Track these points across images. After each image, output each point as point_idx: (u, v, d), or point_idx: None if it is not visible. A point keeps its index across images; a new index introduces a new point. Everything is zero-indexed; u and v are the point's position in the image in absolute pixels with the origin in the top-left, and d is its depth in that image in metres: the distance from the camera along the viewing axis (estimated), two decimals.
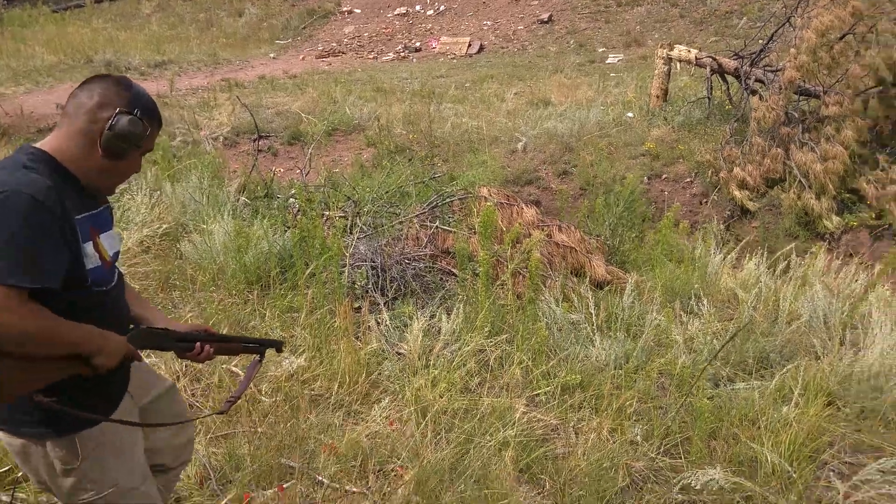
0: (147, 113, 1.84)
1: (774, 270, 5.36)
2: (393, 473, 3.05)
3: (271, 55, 17.05)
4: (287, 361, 3.75)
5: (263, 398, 3.50)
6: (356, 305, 4.53)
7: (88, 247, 1.77)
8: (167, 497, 2.41)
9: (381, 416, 3.39)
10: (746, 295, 4.68)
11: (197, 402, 3.56)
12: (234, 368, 3.75)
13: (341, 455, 3.08)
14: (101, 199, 1.94)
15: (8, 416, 1.80)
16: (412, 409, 3.41)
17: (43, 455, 1.84)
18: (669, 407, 3.66)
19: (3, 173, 1.65)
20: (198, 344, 2.03)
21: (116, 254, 1.95)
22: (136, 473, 1.99)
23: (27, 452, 1.85)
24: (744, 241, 6.31)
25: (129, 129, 1.78)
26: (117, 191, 5.64)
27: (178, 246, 5.34)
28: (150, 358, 3.60)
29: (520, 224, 5.32)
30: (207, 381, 3.64)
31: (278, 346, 2.34)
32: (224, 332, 2.22)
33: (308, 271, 4.51)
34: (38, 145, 1.79)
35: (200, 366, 3.74)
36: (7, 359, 1.60)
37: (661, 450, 3.36)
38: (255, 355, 2.27)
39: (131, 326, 1.95)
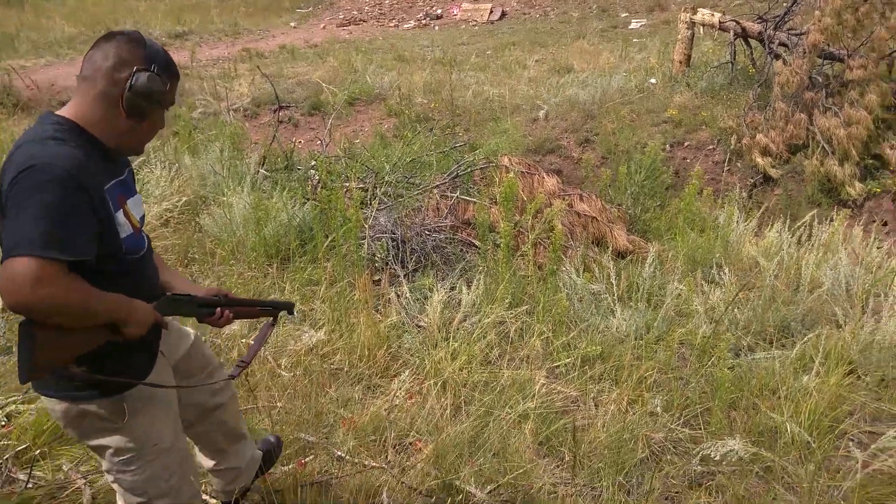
0: (164, 67, 1.81)
1: (797, 238, 5.30)
2: (412, 447, 3.09)
3: (292, 24, 16.98)
4: (307, 335, 3.79)
5: (283, 372, 3.55)
6: (376, 278, 4.56)
7: (120, 215, 1.77)
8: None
9: (400, 389, 3.43)
10: (768, 263, 4.64)
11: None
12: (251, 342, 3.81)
13: (360, 429, 3.13)
14: (124, 162, 1.94)
15: (53, 381, 1.83)
16: (432, 382, 3.44)
17: (83, 415, 1.86)
18: (689, 377, 3.66)
19: (33, 146, 1.64)
20: (218, 309, 2.06)
21: (142, 218, 1.95)
22: (172, 432, 2.04)
23: (70, 415, 1.86)
24: (766, 208, 6.23)
25: (149, 86, 1.75)
26: (137, 161, 5.69)
27: (198, 219, 5.39)
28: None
29: (541, 194, 5.30)
30: (227, 356, 3.70)
31: (289, 307, 2.37)
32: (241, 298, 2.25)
33: (327, 243, 4.54)
34: (60, 112, 1.77)
35: (220, 341, 3.81)
36: (40, 332, 1.61)
37: (681, 421, 3.37)
38: (268, 318, 2.31)
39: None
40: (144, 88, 1.74)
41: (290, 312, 2.40)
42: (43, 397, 1.89)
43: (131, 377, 1.89)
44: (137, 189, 2.02)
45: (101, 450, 1.93)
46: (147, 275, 1.94)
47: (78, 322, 1.66)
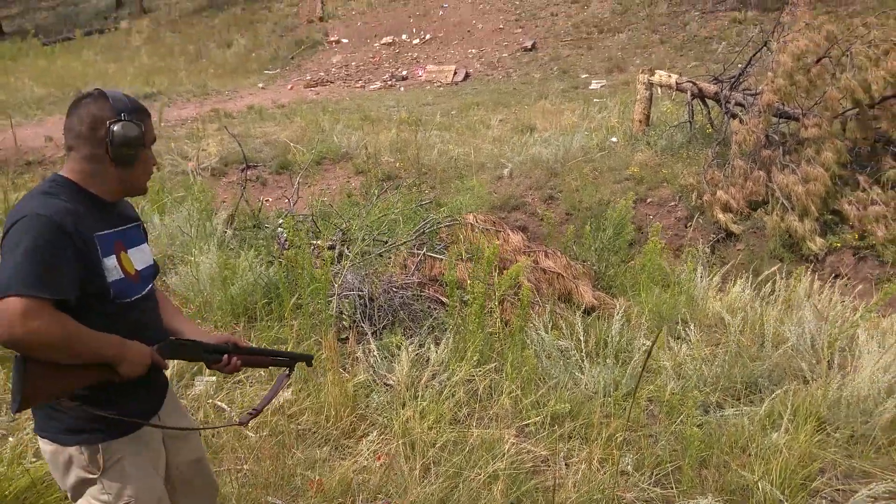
0: (133, 111, 1.92)
1: (760, 293, 5.37)
2: None
3: (260, 85, 17.13)
4: None
5: (250, 434, 3.46)
6: (343, 336, 4.51)
7: (110, 260, 1.89)
8: None
9: (368, 450, 3.36)
10: (733, 319, 4.69)
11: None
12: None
13: (328, 491, 3.05)
14: (130, 217, 2.08)
15: (44, 422, 1.93)
16: (400, 442, 3.38)
17: (68, 461, 1.93)
18: (659, 435, 3.64)
19: (26, 200, 1.83)
20: (226, 356, 2.12)
21: (148, 268, 2.08)
22: (153, 491, 2.03)
23: (56, 459, 1.94)
24: (729, 264, 6.33)
25: (126, 134, 1.88)
26: None
27: (165, 279, 5.31)
28: None
29: (503, 250, 5.33)
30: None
31: (308, 359, 2.43)
32: (252, 346, 2.25)
33: (293, 301, 4.49)
34: (60, 172, 1.93)
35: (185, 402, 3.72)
36: (35, 365, 1.74)
37: (652, 480, 3.34)
38: (284, 369, 2.34)
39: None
40: (122, 138, 1.88)
41: (309, 364, 2.44)
42: (38, 437, 1.97)
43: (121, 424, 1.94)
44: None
45: (76, 496, 1.98)
46: (143, 320, 2.01)
47: (66, 357, 1.77)
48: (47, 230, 1.73)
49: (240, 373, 4.00)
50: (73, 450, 1.91)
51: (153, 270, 2.12)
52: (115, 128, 1.87)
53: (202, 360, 2.11)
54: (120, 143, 1.88)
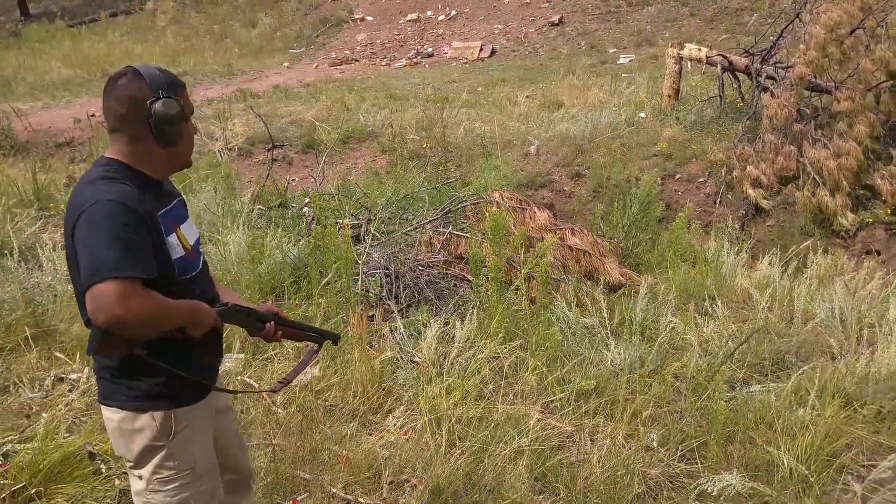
0: (169, 86, 1.91)
1: (789, 269, 5.31)
2: (407, 484, 3.06)
3: (285, 64, 17.15)
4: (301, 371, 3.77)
5: (278, 409, 3.52)
6: (370, 314, 4.55)
7: (172, 238, 1.93)
8: None
9: (395, 425, 3.41)
10: (761, 295, 4.65)
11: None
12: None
13: (355, 466, 3.10)
14: (173, 193, 2.09)
15: (110, 391, 1.97)
16: (426, 418, 3.42)
17: (137, 429, 1.95)
18: (685, 411, 3.64)
19: (89, 187, 1.83)
20: (269, 325, 2.19)
21: (197, 241, 2.11)
22: (210, 460, 2.10)
23: (123, 427, 1.96)
24: (757, 239, 6.27)
25: (166, 111, 1.87)
26: None
27: None
28: None
29: (529, 227, 5.32)
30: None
31: (335, 338, 2.49)
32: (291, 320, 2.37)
33: (324, 282, 4.54)
34: (108, 154, 1.93)
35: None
36: None
37: (678, 455, 3.35)
38: (313, 344, 2.43)
39: (219, 304, 2.09)
40: (165, 116, 1.87)
41: (335, 343, 2.51)
42: (102, 406, 2.01)
43: (184, 386, 1.99)
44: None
45: (141, 464, 2.00)
46: (201, 293, 2.04)
47: (162, 329, 1.85)
48: (121, 213, 1.76)
49: (269, 348, 4.09)
50: (144, 417, 1.95)
51: (199, 244, 2.16)
52: (157, 106, 1.86)
53: (251, 326, 2.18)
54: (163, 122, 1.87)
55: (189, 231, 2.06)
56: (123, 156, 1.91)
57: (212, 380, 2.13)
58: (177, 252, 1.93)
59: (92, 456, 3.10)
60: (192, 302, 1.92)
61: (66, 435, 3.21)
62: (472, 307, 4.41)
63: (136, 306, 1.72)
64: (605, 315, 4.27)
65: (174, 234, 1.95)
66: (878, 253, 6.16)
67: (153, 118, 1.86)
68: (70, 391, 3.64)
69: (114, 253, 1.71)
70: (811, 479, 3.04)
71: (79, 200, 1.81)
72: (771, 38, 8.74)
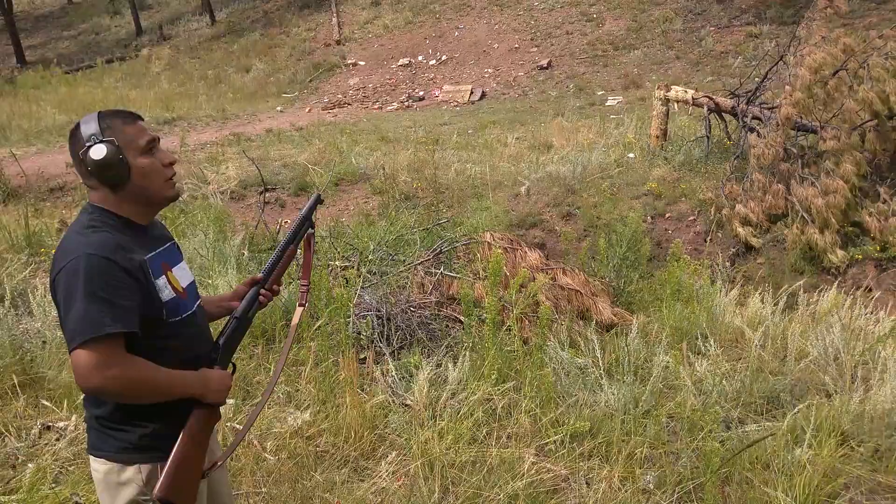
0: (104, 128, 1.86)
1: (781, 307, 5.31)
2: None
3: (278, 108, 17.31)
4: (292, 417, 3.73)
5: (268, 456, 3.47)
6: (361, 356, 4.52)
7: (161, 280, 1.90)
8: None
9: (387, 471, 3.36)
10: (754, 333, 4.64)
11: None
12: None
13: None
14: (165, 237, 2.07)
15: (100, 441, 1.93)
16: (419, 462, 3.37)
17: (123, 481, 1.91)
18: (681, 452, 3.60)
19: (71, 238, 1.82)
20: (263, 296, 2.21)
21: (192, 284, 2.08)
22: None
23: (109, 479, 1.92)
24: (749, 277, 6.28)
25: (95, 158, 1.82)
26: None
27: None
28: None
29: (521, 267, 5.32)
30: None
31: (318, 201, 2.42)
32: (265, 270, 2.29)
33: (317, 325, 4.51)
34: (92, 201, 1.91)
35: None
36: None
37: (674, 498, 3.30)
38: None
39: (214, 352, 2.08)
40: (94, 163, 1.82)
41: (320, 202, 2.45)
42: (90, 458, 1.96)
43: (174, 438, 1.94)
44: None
45: None
46: (194, 335, 2.03)
47: (151, 398, 1.84)
48: (100, 269, 1.73)
49: (258, 392, 4.04)
50: (131, 470, 1.91)
51: (196, 287, 2.13)
52: (88, 156, 1.82)
53: (249, 324, 2.18)
54: (98, 168, 1.83)
55: (182, 274, 2.04)
56: (103, 202, 1.89)
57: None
58: (166, 294, 1.90)
59: None
60: (197, 374, 1.94)
61: (53, 486, 3.15)
62: (465, 348, 4.39)
63: (113, 374, 1.71)
64: (599, 355, 4.25)
65: (164, 276, 1.92)
66: (870, 290, 6.17)
67: (90, 168, 1.83)
68: (57, 440, 3.58)
69: (89, 313, 1.70)
70: None
71: (62, 252, 1.80)
72: (756, 79, 8.88)
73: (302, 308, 2.40)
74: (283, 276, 2.35)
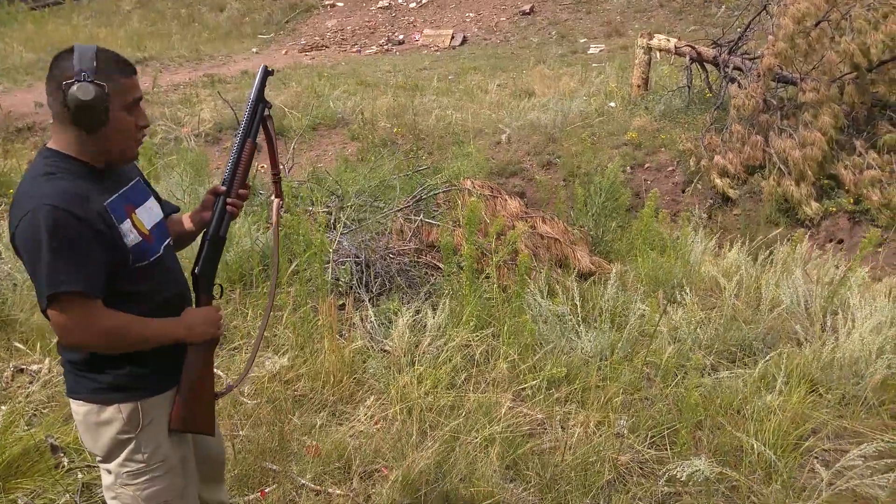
0: (99, 68, 1.75)
1: (756, 258, 5.38)
2: (377, 474, 3.05)
3: (254, 50, 16.91)
4: (269, 361, 3.73)
5: (246, 400, 3.48)
6: (340, 302, 4.51)
7: (125, 225, 1.84)
8: None
9: (365, 415, 3.39)
10: (728, 283, 4.70)
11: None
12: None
13: (325, 456, 3.08)
14: (129, 173, 1.99)
15: (76, 384, 1.91)
16: (397, 407, 3.41)
17: (104, 421, 1.90)
18: (655, 398, 3.67)
19: (27, 186, 1.75)
20: (228, 205, 2.10)
21: (159, 224, 2.01)
22: (180, 451, 2.05)
23: (89, 420, 1.91)
24: (725, 228, 6.34)
25: (80, 96, 1.71)
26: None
27: None
28: None
29: (503, 216, 5.31)
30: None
31: (267, 73, 2.21)
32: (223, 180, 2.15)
33: (291, 268, 4.49)
34: (50, 144, 1.83)
35: None
36: None
37: (647, 442, 3.37)
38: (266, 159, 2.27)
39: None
40: (77, 100, 1.71)
41: (269, 73, 2.23)
42: (70, 400, 1.95)
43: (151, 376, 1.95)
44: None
45: (109, 458, 1.95)
46: (164, 278, 1.98)
47: (135, 348, 1.85)
48: (61, 223, 1.67)
49: (236, 338, 4.04)
50: (111, 409, 1.89)
51: (164, 225, 2.05)
52: (72, 90, 1.70)
53: (223, 239, 2.12)
54: (77, 107, 1.71)
55: (148, 215, 1.97)
56: (63, 145, 1.81)
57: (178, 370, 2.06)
58: (131, 239, 1.84)
59: (54, 449, 3.03)
60: (175, 320, 1.94)
61: (27, 428, 3.14)
62: (444, 296, 4.40)
63: (94, 331, 1.75)
64: (578, 303, 4.28)
65: (128, 220, 1.85)
66: (842, 241, 6.26)
67: (66, 102, 1.71)
68: (31, 383, 3.56)
69: (57, 268, 1.68)
70: (778, 463, 3.09)
71: (19, 201, 1.74)
72: (738, 29, 8.81)
73: (279, 200, 2.26)
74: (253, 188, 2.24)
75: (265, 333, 4.10)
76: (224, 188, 2.12)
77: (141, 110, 1.88)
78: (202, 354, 2.01)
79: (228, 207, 2.11)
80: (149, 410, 1.94)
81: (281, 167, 7.34)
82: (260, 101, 2.18)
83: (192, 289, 2.11)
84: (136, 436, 1.92)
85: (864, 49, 6.66)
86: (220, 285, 2.14)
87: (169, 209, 2.17)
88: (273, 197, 2.27)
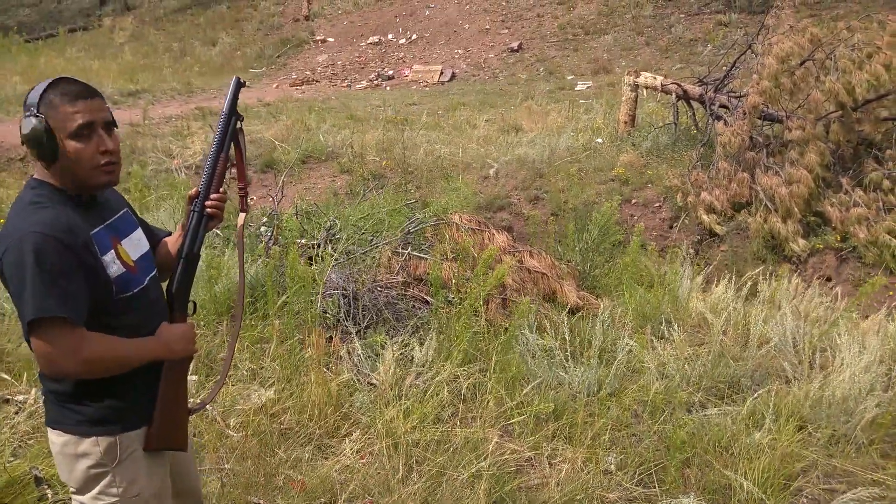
0: (42, 101, 1.77)
1: (743, 294, 5.39)
2: None
3: (245, 84, 17.01)
4: (256, 394, 3.69)
5: (231, 433, 3.43)
6: (327, 335, 4.48)
7: (109, 255, 1.85)
8: None
9: (351, 449, 3.35)
10: (716, 319, 4.70)
11: None
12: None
13: (310, 491, 3.03)
14: (115, 205, 2.01)
15: (58, 414, 1.90)
16: (384, 442, 3.37)
17: (81, 453, 1.89)
18: (643, 435, 3.65)
19: (15, 216, 1.77)
20: (208, 210, 2.09)
21: (145, 255, 2.02)
22: (156, 486, 2.02)
23: (66, 451, 1.90)
24: (712, 264, 6.36)
25: (23, 131, 1.78)
26: None
27: None
28: None
29: (489, 249, 5.32)
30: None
31: (239, 85, 2.26)
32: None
33: (280, 301, 4.46)
34: (36, 175, 1.86)
35: None
36: None
37: (636, 479, 3.34)
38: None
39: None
40: (21, 135, 1.78)
41: (242, 84, 2.28)
42: (48, 430, 1.94)
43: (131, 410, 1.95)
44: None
45: (84, 490, 1.93)
46: (148, 310, 1.98)
47: (117, 371, 1.84)
48: (47, 249, 1.69)
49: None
50: (88, 441, 1.88)
51: (151, 257, 2.06)
52: (22, 124, 1.78)
53: (199, 247, 2.10)
54: (25, 140, 1.78)
55: (133, 246, 1.98)
56: (44, 175, 1.84)
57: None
58: (114, 270, 1.85)
59: (38, 481, 2.98)
60: (151, 339, 1.93)
61: (12, 459, 3.08)
62: (431, 329, 4.38)
63: (77, 358, 1.73)
64: (566, 338, 4.27)
65: (112, 251, 1.87)
66: (829, 279, 6.30)
67: (21, 138, 1.78)
68: (16, 413, 3.50)
69: (41, 295, 1.68)
70: (768, 502, 3.06)
71: (6, 230, 1.76)
72: (724, 68, 8.96)
73: (244, 214, 2.26)
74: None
75: (252, 366, 4.07)
76: (203, 193, 2.13)
77: (100, 136, 1.82)
78: (176, 371, 2.01)
79: (209, 211, 2.11)
80: (127, 445, 1.93)
81: (271, 199, 7.35)
82: (233, 113, 2.20)
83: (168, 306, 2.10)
84: (111, 469, 1.91)
85: (849, 88, 6.77)
86: (194, 302, 2.13)
87: (162, 234, 2.21)
88: (240, 210, 2.28)
